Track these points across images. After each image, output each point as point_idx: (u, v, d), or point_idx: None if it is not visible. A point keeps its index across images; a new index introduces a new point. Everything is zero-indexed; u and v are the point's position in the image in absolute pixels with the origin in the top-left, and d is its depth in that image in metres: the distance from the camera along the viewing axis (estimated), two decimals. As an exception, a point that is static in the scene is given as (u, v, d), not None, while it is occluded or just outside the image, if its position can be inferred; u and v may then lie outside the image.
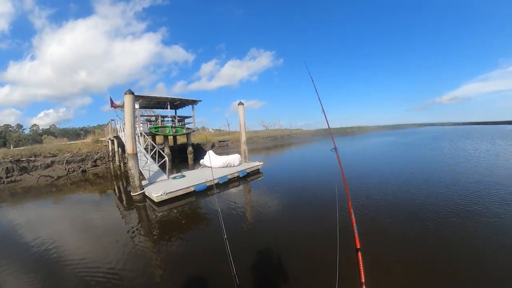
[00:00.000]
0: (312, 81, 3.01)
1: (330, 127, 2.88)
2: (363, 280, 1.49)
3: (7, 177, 12.88)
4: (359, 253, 1.56)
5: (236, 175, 10.39)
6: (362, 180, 8.94)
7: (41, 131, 41.49)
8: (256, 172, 11.71)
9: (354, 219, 1.69)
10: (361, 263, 1.53)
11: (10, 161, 13.35)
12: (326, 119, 2.68)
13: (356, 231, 1.65)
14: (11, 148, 20.80)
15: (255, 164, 12.11)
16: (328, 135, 46.88)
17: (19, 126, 45.26)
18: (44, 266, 4.40)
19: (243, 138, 13.39)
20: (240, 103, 13.40)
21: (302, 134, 45.64)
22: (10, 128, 41.47)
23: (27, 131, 43.00)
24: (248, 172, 11.01)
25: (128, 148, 8.63)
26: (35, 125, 47.00)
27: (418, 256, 3.94)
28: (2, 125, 39.45)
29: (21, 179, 13.22)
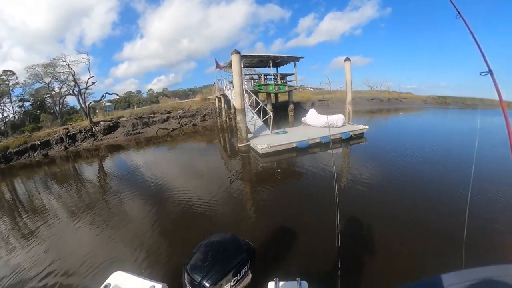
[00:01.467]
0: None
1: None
2: None
3: (133, 130, 16.63)
4: None
5: (338, 136, 9.91)
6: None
7: (156, 94, 50.47)
8: (359, 136, 10.81)
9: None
10: None
11: (135, 118, 17.19)
12: (490, 68, 1.58)
13: None
14: (135, 108, 26.32)
15: (360, 127, 11.14)
16: (443, 104, 37.29)
17: (138, 91, 56.59)
18: (155, 194, 5.75)
19: (349, 98, 12.38)
20: (347, 59, 12.20)
21: (412, 99, 38.27)
22: (132, 94, 52.24)
23: (145, 95, 53.53)
24: (351, 135, 10.30)
25: (237, 104, 9.41)
26: (150, 89, 57.44)
27: None
28: (126, 92, 50.47)
29: (144, 131, 16.82)
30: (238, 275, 1.31)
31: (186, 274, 1.30)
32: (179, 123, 17.95)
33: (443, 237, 3.49)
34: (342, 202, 2.24)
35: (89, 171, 9.32)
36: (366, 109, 27.11)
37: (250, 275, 1.42)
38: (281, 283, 1.22)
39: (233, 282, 1.29)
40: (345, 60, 12.32)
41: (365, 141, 10.35)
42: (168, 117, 18.17)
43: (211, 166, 8.01)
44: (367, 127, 11.28)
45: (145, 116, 17.76)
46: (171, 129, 17.04)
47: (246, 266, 1.32)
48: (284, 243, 3.64)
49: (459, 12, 1.84)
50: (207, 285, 1.23)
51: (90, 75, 18.21)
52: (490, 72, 1.59)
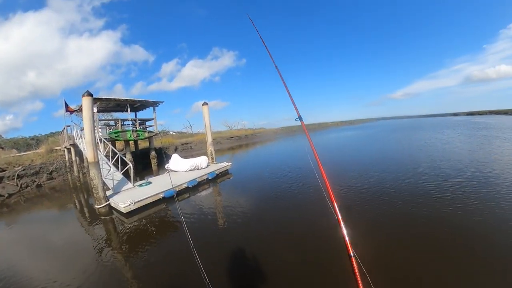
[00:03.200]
0: (277, 69, 2.92)
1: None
2: None
3: None
4: (353, 259, 1.32)
5: (205, 177, 10.26)
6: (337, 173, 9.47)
7: (-16, 143, 35.61)
8: (225, 173, 11.70)
9: (340, 218, 1.47)
10: (356, 271, 1.28)
11: None
12: (296, 108, 2.48)
13: (345, 234, 1.39)
14: None
15: (224, 165, 12.09)
16: (290, 132, 48.46)
17: (-44, 138, 38.45)
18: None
19: (209, 139, 13.26)
20: (205, 103, 13.25)
21: (265, 132, 46.52)
22: None
23: (-35, 145, 36.61)
24: (217, 174, 10.96)
25: (89, 156, 8.00)
26: (-24, 136, 40.21)
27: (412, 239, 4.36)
28: None
29: (-38, 201, 11.31)
30: None
31: None
32: (17, 185, 12.91)
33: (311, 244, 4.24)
34: (204, 250, 2.28)
35: None
36: (227, 147, 29.89)
37: None
38: None
39: None
40: (203, 105, 13.29)
41: (231, 176, 11.27)
42: (1, 178, 12.73)
43: (67, 240, 6.11)
44: (230, 163, 12.41)
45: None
46: (6, 195, 11.90)
47: None
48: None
49: (276, 67, 2.86)
50: None
51: None
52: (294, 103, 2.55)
